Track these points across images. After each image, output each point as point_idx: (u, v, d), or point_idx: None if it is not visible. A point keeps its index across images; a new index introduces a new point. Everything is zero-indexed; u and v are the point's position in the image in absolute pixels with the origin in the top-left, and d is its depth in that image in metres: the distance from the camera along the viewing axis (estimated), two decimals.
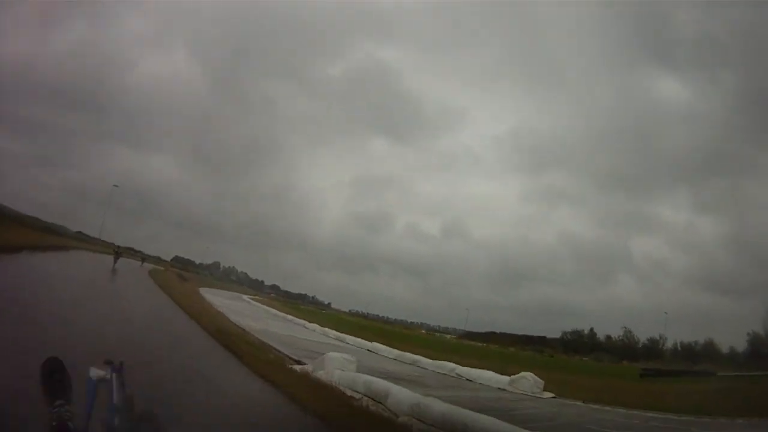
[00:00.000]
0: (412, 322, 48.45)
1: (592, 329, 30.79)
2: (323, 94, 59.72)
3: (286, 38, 63.73)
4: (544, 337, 41.97)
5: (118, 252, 31.38)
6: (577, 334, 31.59)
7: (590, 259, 47.05)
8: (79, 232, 44.96)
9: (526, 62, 57.76)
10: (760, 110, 42.91)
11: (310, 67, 63.15)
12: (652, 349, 28.39)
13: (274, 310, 31.79)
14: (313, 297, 59.25)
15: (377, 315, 49.02)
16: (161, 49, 61.30)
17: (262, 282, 66.87)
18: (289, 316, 29.76)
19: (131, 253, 42.94)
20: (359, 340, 23.43)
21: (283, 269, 65.39)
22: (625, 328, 28.40)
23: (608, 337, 30.76)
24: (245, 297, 39.44)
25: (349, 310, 53.01)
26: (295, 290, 59.47)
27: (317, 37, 63.37)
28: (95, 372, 2.04)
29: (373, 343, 22.96)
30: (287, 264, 59.40)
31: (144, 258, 44.61)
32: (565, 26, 58.68)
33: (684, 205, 53.00)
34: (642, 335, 32.06)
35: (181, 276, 34.73)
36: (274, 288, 67.16)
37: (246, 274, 69.17)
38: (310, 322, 28.13)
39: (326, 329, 25.99)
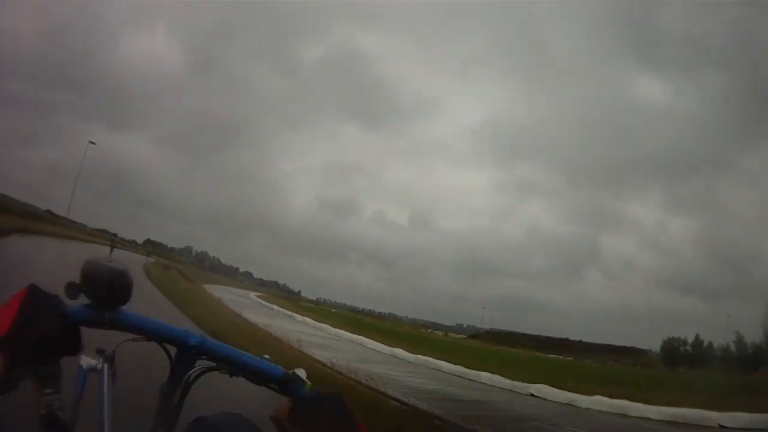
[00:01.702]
0: (380, 313, 47.01)
1: (697, 336, 24.24)
2: (299, 77, 58.33)
3: (265, 19, 62.70)
4: (566, 339, 36.78)
5: (114, 241, 29.82)
6: (679, 342, 25.19)
7: (559, 254, 46.65)
8: (48, 210, 39.76)
9: (504, 53, 58.43)
10: (737, 112, 42.28)
11: (287, 49, 60.52)
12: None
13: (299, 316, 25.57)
14: (283, 285, 60.11)
15: (345, 304, 47.39)
16: (138, 28, 59.15)
17: (237, 269, 63.95)
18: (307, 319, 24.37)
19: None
20: (398, 350, 19.16)
21: (251, 254, 63.60)
22: (738, 332, 21.89)
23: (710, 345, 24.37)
24: (252, 295, 34.88)
25: (317, 299, 52.77)
26: (266, 277, 57.52)
27: (295, 19, 61.36)
28: (86, 360, 1.51)
29: (396, 349, 19.14)
30: (255, 248, 57.70)
31: (149, 251, 41.12)
32: (545, 18, 57.75)
33: (656, 204, 50.85)
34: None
35: (182, 274, 27.33)
36: (248, 275, 65.35)
37: (218, 259, 66.76)
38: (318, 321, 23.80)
39: (340, 331, 21.73)
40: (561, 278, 46.35)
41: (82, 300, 0.92)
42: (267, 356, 1.00)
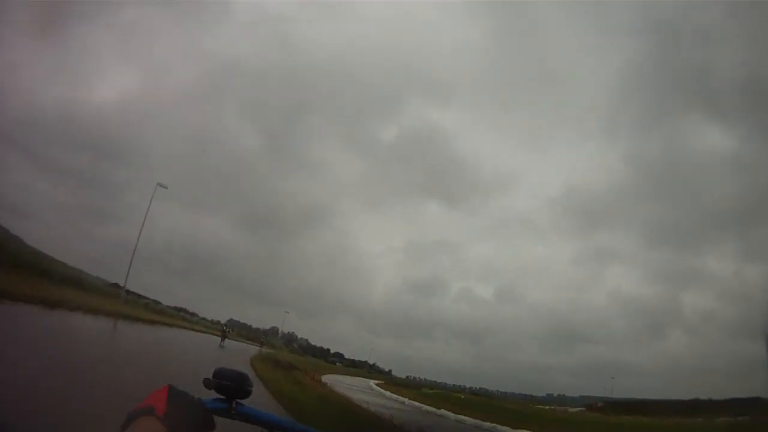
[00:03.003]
0: (471, 388, 46.67)
1: None
2: (375, 156, 59.59)
3: (337, 99, 63.68)
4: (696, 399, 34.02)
5: (225, 331, 30.47)
6: None
7: (640, 316, 45.98)
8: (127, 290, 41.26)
9: (577, 118, 59.16)
10: None
11: (362, 130, 61.07)
12: None
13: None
14: (374, 364, 59.64)
15: (434, 381, 48.46)
16: (211, 108, 60.29)
17: (328, 350, 63.16)
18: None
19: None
20: None
21: (339, 334, 64.47)
22: None
23: None
24: (372, 383, 35.15)
25: (406, 377, 52.59)
26: (357, 358, 57.27)
27: (368, 99, 62.78)
28: None
29: None
30: (341, 329, 59.24)
31: (262, 342, 41.21)
32: (610, 81, 58.40)
33: (733, 253, 49.70)
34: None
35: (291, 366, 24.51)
36: (338, 355, 64.18)
37: (307, 340, 65.78)
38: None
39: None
40: (643, 339, 45.88)
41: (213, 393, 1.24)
42: None
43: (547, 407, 36.84)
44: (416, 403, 25.65)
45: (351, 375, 39.67)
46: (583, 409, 36.72)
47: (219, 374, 1.26)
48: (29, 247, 27.40)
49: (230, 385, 1.24)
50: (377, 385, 35.48)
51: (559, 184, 71.78)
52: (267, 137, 57.85)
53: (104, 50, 53.18)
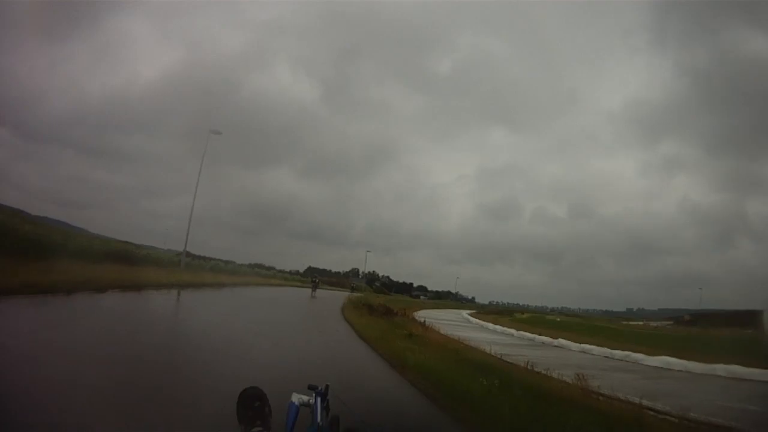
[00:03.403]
0: (552, 309, 47.66)
1: None
2: (434, 91, 61.98)
3: (387, 40, 65.16)
4: None
5: (316, 282, 31.63)
6: None
7: (709, 225, 46.76)
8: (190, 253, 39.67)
9: (630, 32, 59.62)
10: None
11: (417, 66, 62.94)
12: None
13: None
14: (456, 293, 63.30)
15: (516, 304, 49.20)
16: (265, 68, 63.04)
17: (411, 284, 65.14)
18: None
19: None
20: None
21: (419, 268, 67.94)
22: None
23: None
24: (465, 314, 34.53)
25: (489, 302, 53.82)
26: (440, 289, 59.23)
27: (419, 35, 63.51)
28: (297, 397, 2.26)
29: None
30: (421, 262, 60.46)
31: (353, 287, 42.38)
32: None
33: None
34: None
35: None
36: (421, 289, 66.92)
37: (388, 277, 68.55)
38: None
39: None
40: (714, 248, 46.76)
41: None
42: None
43: (640, 322, 36.35)
44: (527, 334, 23.83)
45: (440, 308, 38.83)
46: (670, 323, 35.58)
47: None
48: (94, 234, 28.13)
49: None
50: (471, 315, 34.70)
51: (617, 99, 71.85)
52: (324, 87, 60.20)
53: (142, 30, 52.98)
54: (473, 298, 57.80)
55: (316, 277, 34.88)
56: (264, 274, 39.63)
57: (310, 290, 30.44)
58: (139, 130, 51.63)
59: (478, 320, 32.10)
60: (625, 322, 37.95)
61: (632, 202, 58.10)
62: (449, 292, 60.06)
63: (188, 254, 28.51)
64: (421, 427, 5.63)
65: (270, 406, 2.08)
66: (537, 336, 23.21)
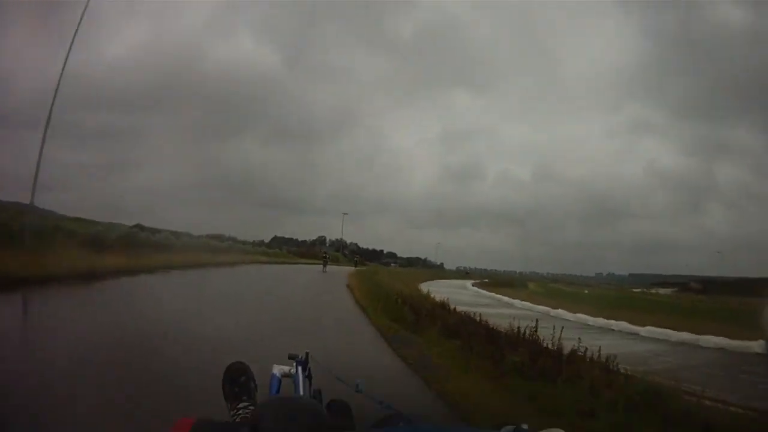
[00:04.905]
0: (521, 273, 48.64)
1: None
2: (395, 53, 55.31)
3: (352, 1, 58.23)
4: None
5: (326, 257, 31.56)
6: None
7: (678, 190, 44.94)
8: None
9: None
10: None
11: (377, 29, 55.92)
12: None
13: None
14: (425, 259, 61.65)
15: (485, 269, 51.13)
16: (228, 36, 55.11)
17: (381, 251, 63.52)
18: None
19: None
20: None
21: (385, 234, 66.25)
22: None
23: None
24: (470, 285, 31.73)
25: (456, 268, 55.32)
26: (409, 255, 60.29)
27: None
28: (279, 368, 2.11)
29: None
30: (387, 228, 59.82)
31: (357, 260, 41.00)
32: None
33: (761, 126, 43.61)
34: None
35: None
36: (391, 255, 66.39)
37: (356, 244, 67.14)
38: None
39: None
40: (683, 214, 44.83)
41: None
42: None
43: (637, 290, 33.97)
44: (586, 318, 18.15)
45: (433, 279, 33.43)
46: (674, 289, 34.70)
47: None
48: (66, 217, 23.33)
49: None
50: (477, 286, 32.24)
51: (583, 62, 72.68)
52: (286, 52, 56.76)
53: (105, 4, 44.61)
54: (442, 264, 56.48)
55: (326, 252, 34.91)
56: (216, 248, 30.08)
57: (281, 273, 25.75)
58: (102, 107, 44.18)
59: (492, 293, 27.47)
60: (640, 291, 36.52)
61: (599, 165, 55.90)
62: (418, 258, 59.18)
63: (140, 227, 25.63)
64: None
65: (255, 380, 1.90)
66: (613, 321, 16.99)
